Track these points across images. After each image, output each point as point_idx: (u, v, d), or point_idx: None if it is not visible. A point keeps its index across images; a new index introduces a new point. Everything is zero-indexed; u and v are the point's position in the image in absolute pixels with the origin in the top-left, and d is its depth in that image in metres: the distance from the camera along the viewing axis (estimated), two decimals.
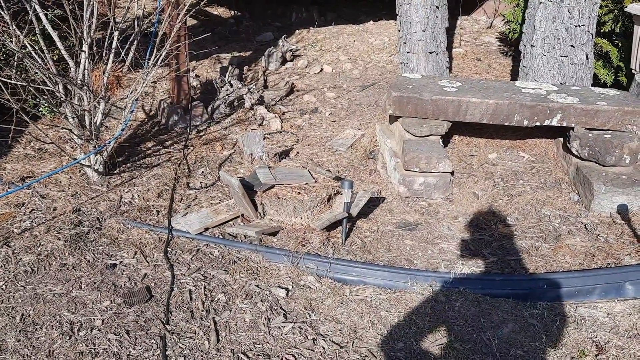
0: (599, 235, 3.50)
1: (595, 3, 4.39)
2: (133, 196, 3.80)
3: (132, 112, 4.16)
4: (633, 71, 4.35)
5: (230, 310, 2.79)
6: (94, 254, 3.16)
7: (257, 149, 4.16)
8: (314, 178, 3.71)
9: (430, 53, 5.08)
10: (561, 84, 4.51)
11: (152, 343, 2.55)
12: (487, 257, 3.34)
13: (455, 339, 2.65)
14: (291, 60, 6.31)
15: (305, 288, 3.01)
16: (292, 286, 3.02)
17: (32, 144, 4.43)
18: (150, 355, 2.48)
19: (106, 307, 2.75)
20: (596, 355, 2.60)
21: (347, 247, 3.39)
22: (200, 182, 4.07)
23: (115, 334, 2.58)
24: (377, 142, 4.61)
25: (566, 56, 4.49)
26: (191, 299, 2.86)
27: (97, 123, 3.85)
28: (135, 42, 3.93)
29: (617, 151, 3.77)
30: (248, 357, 2.51)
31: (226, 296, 2.89)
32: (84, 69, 3.71)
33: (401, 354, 2.56)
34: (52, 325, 2.62)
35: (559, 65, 4.52)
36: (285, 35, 6.54)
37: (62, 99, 3.66)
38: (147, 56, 4.10)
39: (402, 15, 5.11)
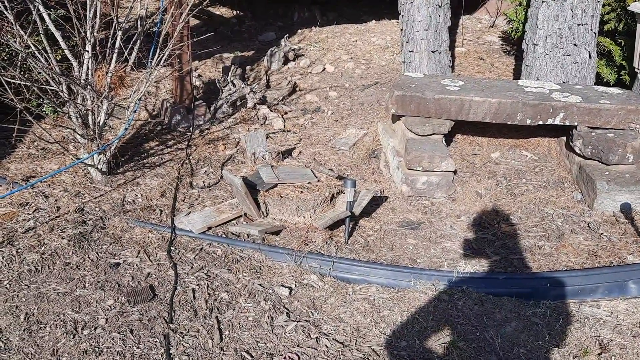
0: (602, 234, 3.50)
1: (598, 2, 4.38)
2: (136, 195, 3.80)
3: (135, 111, 4.16)
4: (636, 70, 4.34)
5: (234, 309, 2.79)
6: (97, 253, 3.17)
7: (259, 148, 4.16)
8: (316, 177, 3.71)
9: (433, 52, 5.08)
10: (564, 82, 4.51)
11: (156, 342, 2.55)
12: (490, 256, 3.34)
13: (458, 338, 2.65)
14: (293, 60, 6.31)
15: (308, 287, 3.02)
16: (295, 285, 3.02)
17: (35, 143, 4.44)
18: (154, 354, 2.48)
19: (110, 306, 2.76)
20: (599, 354, 2.60)
21: (350, 246, 3.40)
22: (203, 182, 4.08)
23: (119, 333, 2.59)
24: (379, 141, 4.62)
25: (569, 55, 4.49)
26: (194, 297, 2.87)
27: (101, 123, 3.86)
28: (138, 42, 3.93)
29: (620, 150, 3.76)
30: (251, 355, 2.51)
31: (229, 295, 2.90)
32: (87, 68, 3.72)
33: (404, 352, 2.56)
34: (56, 324, 2.62)
35: (562, 64, 4.52)
36: (287, 35, 6.54)
37: (65, 98, 3.67)
38: (150, 56, 4.11)
39: (405, 15, 5.11)
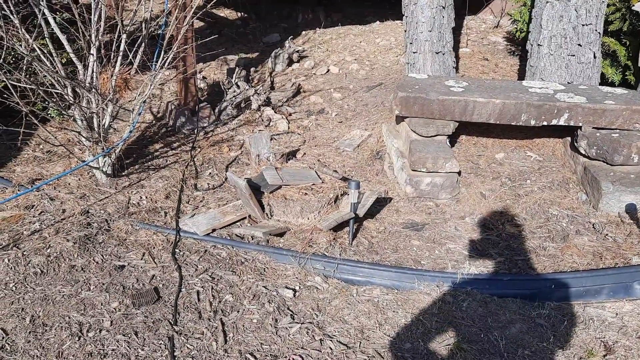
0: (607, 234, 3.49)
1: (603, 2, 4.36)
2: (141, 198, 3.82)
3: (140, 114, 4.18)
4: None
5: (238, 311, 2.80)
6: (102, 255, 3.18)
7: (264, 150, 4.17)
8: (320, 179, 3.72)
9: (437, 53, 5.08)
10: (568, 83, 4.50)
11: (160, 344, 2.56)
12: (494, 257, 3.33)
13: (462, 340, 2.65)
14: (298, 62, 6.32)
15: (312, 289, 3.02)
16: (300, 287, 3.02)
17: (41, 146, 4.47)
18: (159, 356, 2.49)
19: (115, 308, 2.77)
20: (604, 356, 2.59)
21: (354, 247, 3.40)
22: (208, 184, 4.09)
23: (123, 335, 2.60)
24: (383, 143, 4.61)
25: (573, 55, 4.47)
26: (199, 299, 2.87)
27: (106, 125, 3.88)
28: (143, 44, 3.95)
29: (625, 150, 3.75)
30: (256, 357, 2.52)
31: (234, 297, 2.91)
32: (92, 71, 3.74)
33: (408, 354, 2.56)
34: (62, 326, 2.64)
35: (566, 65, 4.51)
36: (291, 37, 6.56)
37: (70, 101, 3.69)
38: (154, 58, 4.13)
39: (409, 16, 5.11)
